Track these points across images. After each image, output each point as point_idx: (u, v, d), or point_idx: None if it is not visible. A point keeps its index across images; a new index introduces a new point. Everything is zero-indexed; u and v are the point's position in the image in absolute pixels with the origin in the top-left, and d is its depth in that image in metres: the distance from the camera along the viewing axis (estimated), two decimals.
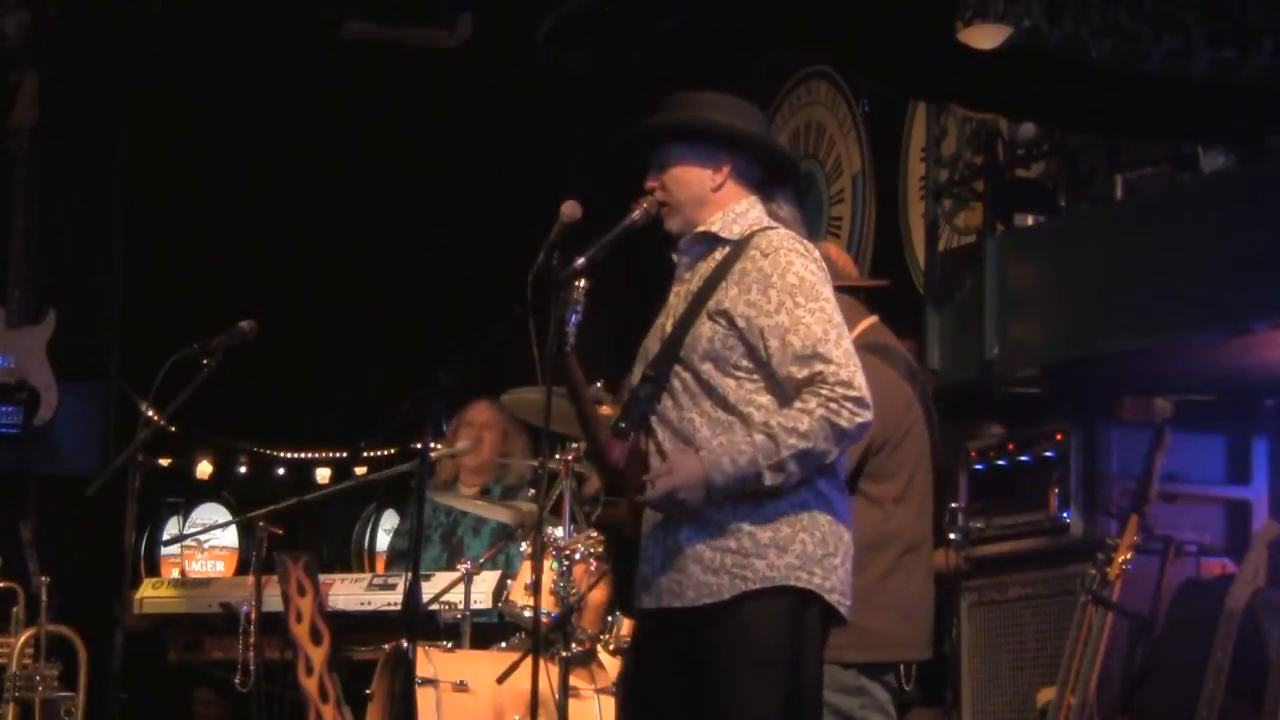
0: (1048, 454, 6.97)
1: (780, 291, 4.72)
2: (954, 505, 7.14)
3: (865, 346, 5.88)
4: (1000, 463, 7.16)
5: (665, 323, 4.90)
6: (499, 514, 7.65)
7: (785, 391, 4.72)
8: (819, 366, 4.66)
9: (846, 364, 4.68)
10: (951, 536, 7.09)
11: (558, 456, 6.69)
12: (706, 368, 4.75)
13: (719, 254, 4.85)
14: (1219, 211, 6.39)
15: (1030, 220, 7.29)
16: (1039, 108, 6.67)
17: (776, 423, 4.65)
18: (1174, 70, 5.87)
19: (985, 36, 5.91)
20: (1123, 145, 6.91)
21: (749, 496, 4.70)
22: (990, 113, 7.17)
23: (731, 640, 4.69)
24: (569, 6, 8.27)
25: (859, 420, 4.66)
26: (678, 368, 4.78)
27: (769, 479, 4.63)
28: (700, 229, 4.89)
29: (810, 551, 4.71)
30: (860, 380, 4.68)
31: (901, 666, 5.87)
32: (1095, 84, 6.03)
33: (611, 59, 8.96)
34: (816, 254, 4.83)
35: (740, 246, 4.82)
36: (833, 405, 4.63)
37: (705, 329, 4.77)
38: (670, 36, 8.40)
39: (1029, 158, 7.28)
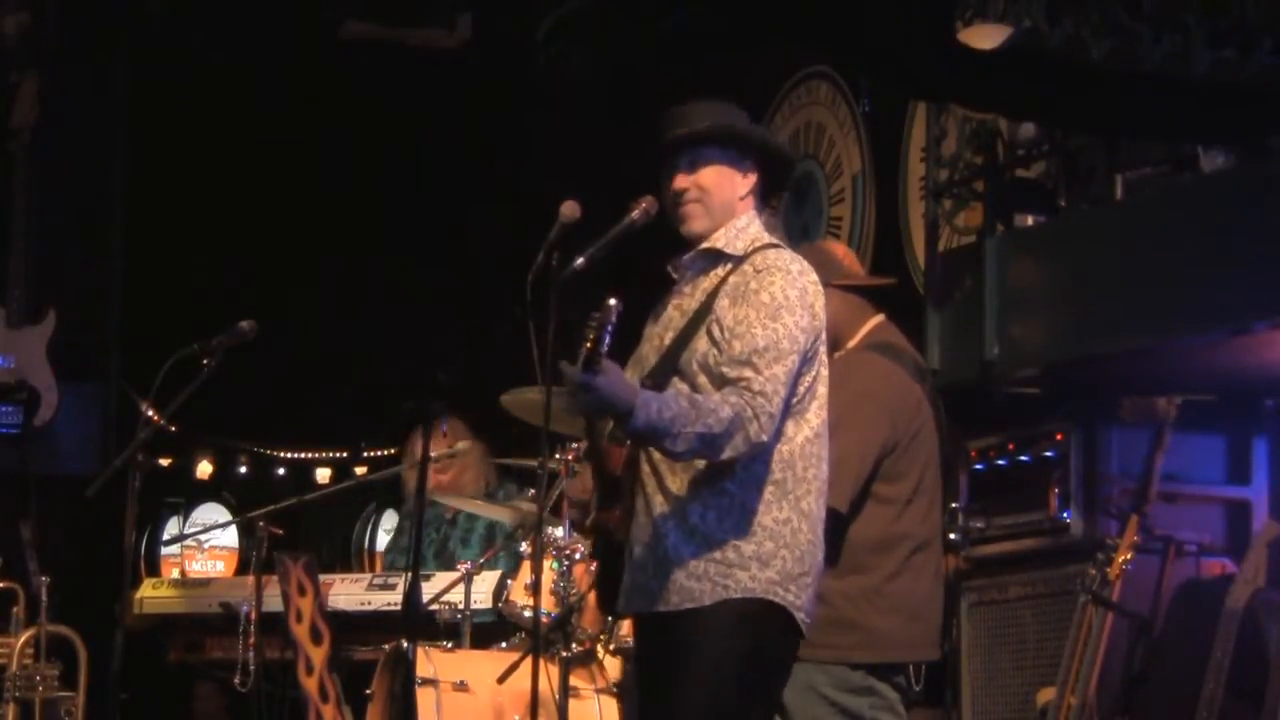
0: (1048, 454, 6.97)
1: (752, 306, 4.77)
2: (954, 505, 7.15)
3: (872, 346, 5.88)
4: (1000, 463, 7.16)
5: (664, 334, 4.93)
6: (500, 514, 7.64)
7: None
8: (747, 373, 4.71)
9: (773, 383, 4.71)
10: (951, 536, 7.09)
11: (558, 456, 6.69)
12: (702, 380, 4.78)
13: (721, 270, 4.89)
14: (1219, 211, 6.39)
15: (1030, 220, 7.28)
16: (1039, 108, 6.67)
17: (701, 399, 4.69)
18: (1174, 70, 5.87)
19: (985, 36, 5.91)
20: (1123, 145, 6.91)
21: (738, 511, 4.76)
22: (990, 113, 7.18)
23: (699, 639, 4.75)
24: (569, 6, 8.28)
25: (763, 438, 4.70)
26: (676, 379, 4.81)
27: (669, 443, 4.65)
28: (705, 245, 4.93)
29: (789, 569, 4.78)
30: (777, 405, 4.71)
31: (911, 666, 5.86)
32: (1095, 84, 6.03)
33: (611, 59, 8.96)
34: (812, 275, 4.87)
35: (740, 262, 4.86)
36: (748, 412, 4.67)
37: (703, 343, 4.82)
38: (670, 36, 8.40)
39: (1029, 158, 7.28)
